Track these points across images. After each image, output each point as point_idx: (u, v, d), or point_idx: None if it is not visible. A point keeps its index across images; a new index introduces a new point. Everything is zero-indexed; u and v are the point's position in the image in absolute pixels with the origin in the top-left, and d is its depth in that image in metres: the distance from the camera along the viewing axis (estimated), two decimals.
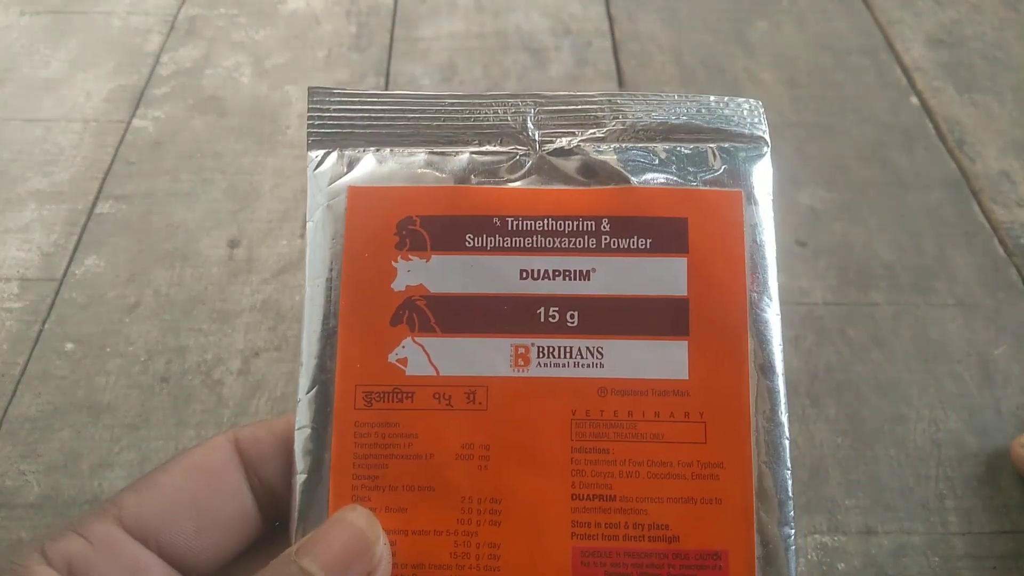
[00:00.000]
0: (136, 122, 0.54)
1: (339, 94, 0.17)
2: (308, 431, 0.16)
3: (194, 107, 0.55)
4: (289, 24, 0.62)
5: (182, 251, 0.46)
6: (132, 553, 0.15)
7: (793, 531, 0.15)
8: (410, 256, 0.16)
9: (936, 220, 0.48)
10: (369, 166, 0.17)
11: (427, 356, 0.16)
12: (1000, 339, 0.42)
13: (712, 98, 0.17)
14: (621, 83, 0.57)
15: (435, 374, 0.16)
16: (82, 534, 0.14)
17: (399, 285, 0.16)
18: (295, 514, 0.15)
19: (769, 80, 0.57)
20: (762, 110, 0.18)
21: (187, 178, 0.50)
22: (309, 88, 0.18)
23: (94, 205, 0.48)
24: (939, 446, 0.38)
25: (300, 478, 0.16)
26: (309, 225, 0.16)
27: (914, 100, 0.56)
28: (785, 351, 0.16)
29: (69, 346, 0.41)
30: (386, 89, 0.56)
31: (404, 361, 0.16)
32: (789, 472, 0.16)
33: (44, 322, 0.42)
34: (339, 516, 0.15)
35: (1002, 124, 0.54)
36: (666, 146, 0.17)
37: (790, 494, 0.16)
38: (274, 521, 0.17)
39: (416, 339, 0.16)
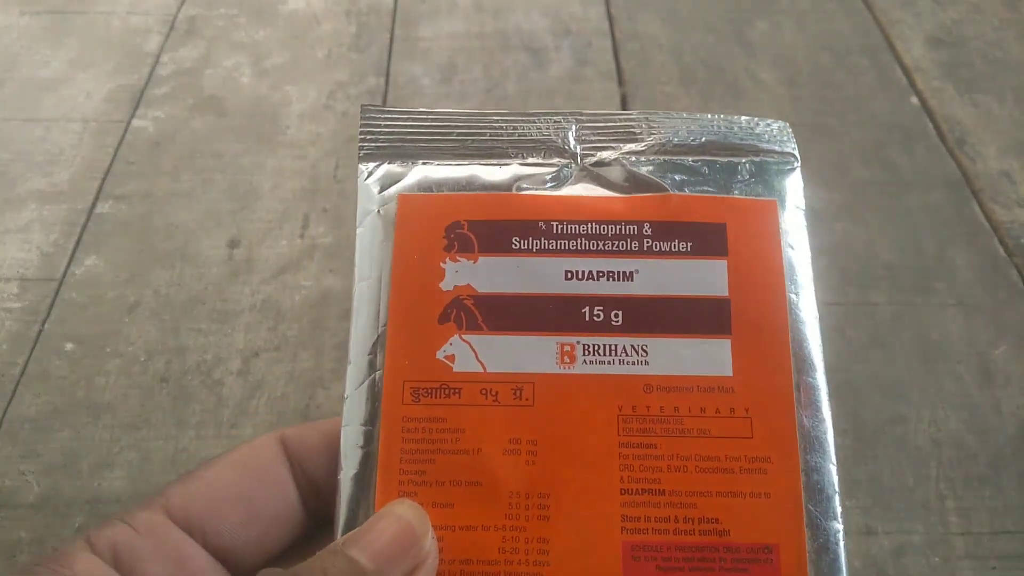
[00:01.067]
0: (136, 122, 0.54)
1: (390, 111, 0.18)
2: (355, 427, 0.16)
3: (194, 107, 0.55)
4: (289, 24, 0.62)
5: (182, 251, 0.46)
6: (177, 542, 0.15)
7: (841, 526, 0.16)
8: (458, 258, 0.17)
9: (936, 220, 0.48)
10: (418, 176, 0.18)
11: (474, 353, 0.16)
12: (1000, 339, 0.42)
13: (743, 118, 0.19)
14: (621, 83, 0.57)
15: (482, 370, 0.16)
16: (128, 522, 0.15)
17: (447, 285, 0.17)
18: (341, 509, 0.16)
19: (769, 80, 0.57)
20: (790, 130, 0.19)
21: (187, 178, 0.50)
22: (362, 106, 0.19)
23: (94, 205, 0.48)
24: (939, 446, 0.38)
25: (347, 473, 0.16)
26: (359, 231, 0.17)
27: (914, 100, 0.56)
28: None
29: (69, 346, 0.41)
30: (386, 90, 0.56)
31: (451, 358, 0.16)
32: (835, 467, 0.16)
33: (44, 322, 0.42)
34: (388, 509, 0.15)
35: (1002, 124, 0.54)
36: (702, 159, 0.18)
37: (836, 488, 0.16)
38: (319, 520, 0.17)
39: (463, 337, 0.16)
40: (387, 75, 0.57)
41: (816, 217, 0.48)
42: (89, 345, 0.41)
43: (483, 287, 0.17)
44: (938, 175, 0.51)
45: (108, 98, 0.55)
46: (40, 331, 0.42)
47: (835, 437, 0.35)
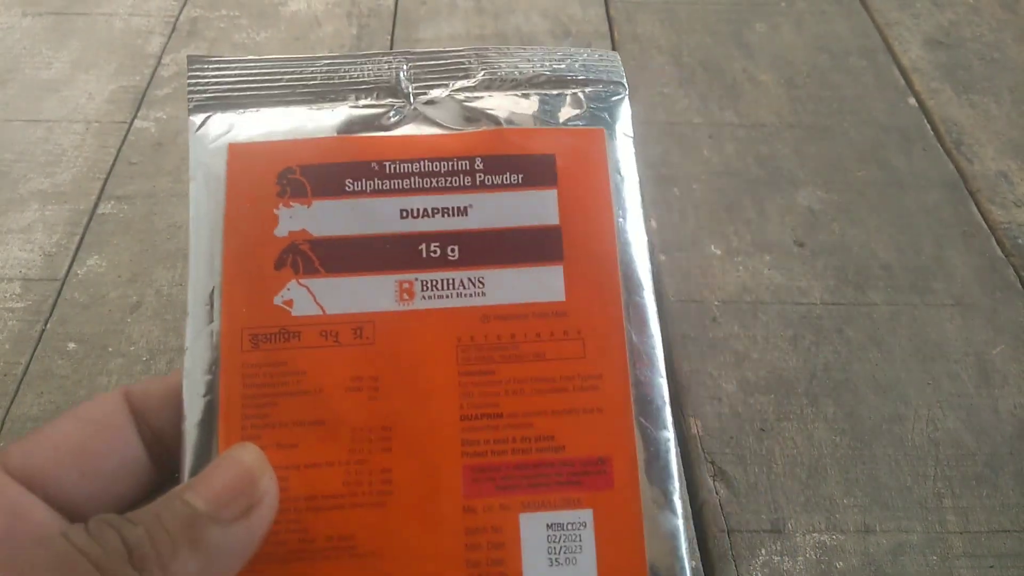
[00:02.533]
0: (138, 123, 0.54)
1: (216, 61, 0.18)
2: (197, 377, 0.16)
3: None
4: (290, 25, 0.62)
5: (184, 251, 0.46)
6: (14, 495, 0.15)
7: (672, 435, 0.16)
8: (291, 203, 0.17)
9: (934, 220, 0.48)
10: (247, 125, 0.17)
11: (312, 296, 0.16)
12: (998, 339, 0.42)
13: (572, 49, 0.19)
14: None
15: (321, 313, 0.16)
16: None
17: (282, 231, 0.17)
18: (186, 458, 0.16)
19: (768, 81, 0.58)
20: (619, 60, 0.19)
21: (188, 179, 0.50)
22: (188, 56, 0.19)
23: (96, 205, 0.49)
24: (937, 445, 0.38)
25: (190, 422, 0.16)
26: (192, 184, 0.17)
27: (912, 101, 0.56)
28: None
29: (71, 346, 0.41)
30: None
31: (290, 303, 0.16)
32: (663, 379, 0.17)
33: (46, 322, 0.43)
34: (227, 454, 0.15)
35: (1000, 125, 0.55)
36: (533, 92, 0.18)
37: (666, 399, 0.17)
38: (169, 472, 0.17)
39: (301, 281, 0.16)
40: None
41: (814, 217, 0.49)
42: (91, 345, 0.41)
43: (318, 231, 0.17)
44: (936, 176, 0.51)
45: (110, 99, 0.55)
46: (42, 331, 0.42)
47: (830, 435, 0.35)
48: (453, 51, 0.19)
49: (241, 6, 0.63)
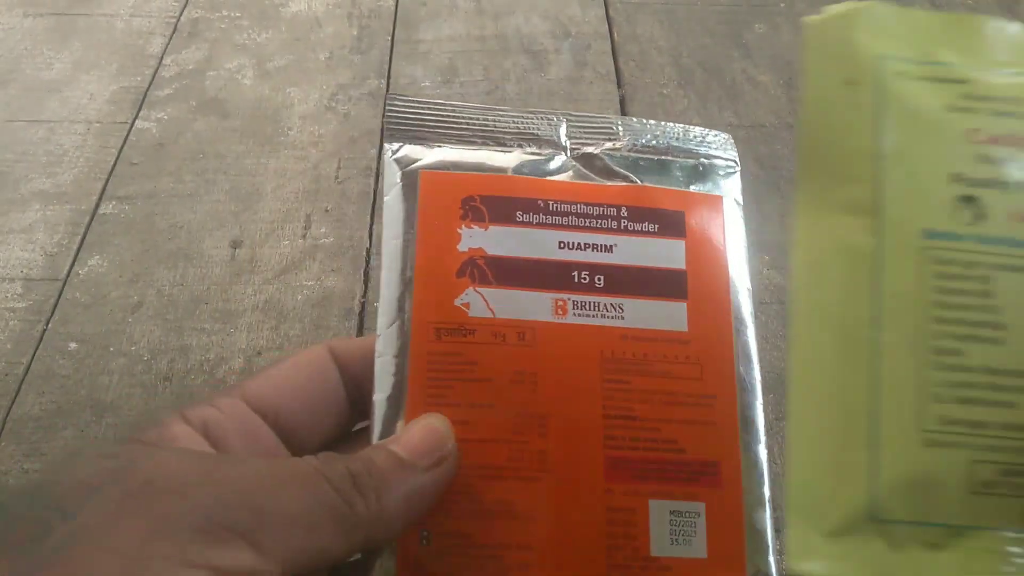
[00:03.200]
0: (139, 123, 0.54)
1: (412, 100, 0.22)
2: (388, 358, 0.19)
3: (197, 109, 0.55)
4: (291, 26, 0.62)
5: (185, 251, 0.46)
6: (253, 422, 0.18)
7: (765, 450, 0.20)
8: (472, 225, 0.20)
9: None
10: (436, 156, 0.21)
11: (485, 302, 0.20)
12: None
13: (697, 128, 0.23)
14: (620, 85, 0.57)
15: (492, 316, 0.20)
16: (214, 405, 0.17)
17: (463, 247, 0.20)
18: (376, 424, 0.19)
19: (767, 82, 0.58)
20: (732, 141, 0.23)
21: (190, 179, 0.50)
22: (388, 94, 0.23)
23: (97, 206, 0.49)
24: None
25: (380, 396, 0.19)
26: (387, 199, 0.21)
27: None
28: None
29: (72, 345, 0.42)
30: (387, 92, 0.57)
31: (467, 305, 0.20)
32: (760, 404, 0.20)
33: (47, 322, 0.43)
34: (422, 418, 0.18)
35: None
36: (667, 158, 0.23)
37: (762, 420, 0.20)
38: (360, 417, 0.20)
39: (477, 288, 0.20)
40: (388, 77, 0.58)
41: None
42: (92, 344, 0.42)
43: (492, 250, 0.20)
44: None
45: (111, 100, 0.56)
46: (44, 331, 0.42)
47: None
48: (603, 117, 0.23)
49: (242, 7, 0.64)
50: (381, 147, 0.53)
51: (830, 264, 0.15)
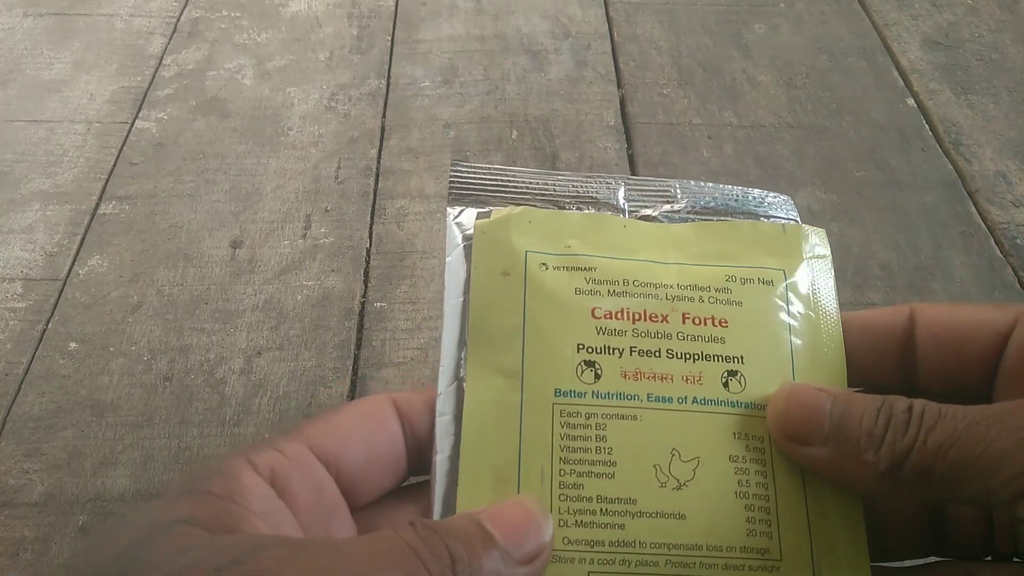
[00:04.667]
0: (139, 123, 0.54)
1: (474, 166, 0.22)
2: (448, 417, 0.19)
3: (197, 108, 0.55)
4: (291, 26, 0.62)
5: (185, 251, 0.46)
6: (319, 471, 0.17)
7: None
8: None
9: (932, 220, 0.49)
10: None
11: None
12: None
13: (756, 191, 0.23)
14: (620, 85, 0.57)
15: None
16: (280, 450, 0.17)
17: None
18: (436, 488, 0.18)
19: (767, 82, 0.58)
20: (792, 202, 0.23)
21: (190, 179, 0.50)
22: (452, 161, 0.23)
23: (97, 206, 0.49)
24: None
25: (441, 456, 0.18)
26: (448, 260, 0.21)
27: (911, 101, 0.57)
28: None
29: (72, 345, 0.42)
30: (387, 92, 0.57)
31: None
32: None
33: (48, 322, 0.43)
34: (516, 498, 0.17)
35: (998, 125, 0.55)
36: (726, 218, 0.22)
37: None
38: (417, 471, 0.19)
39: None
40: (388, 77, 0.58)
41: (813, 217, 0.49)
42: (92, 344, 0.42)
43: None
44: (934, 176, 0.51)
45: (111, 100, 0.56)
46: (44, 331, 0.42)
47: None
48: (661, 180, 0.23)
49: (242, 7, 0.64)
50: (381, 147, 0.53)
51: (489, 417, 0.18)
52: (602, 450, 0.18)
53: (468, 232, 0.21)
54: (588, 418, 0.18)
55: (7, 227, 0.47)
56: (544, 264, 0.20)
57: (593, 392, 0.18)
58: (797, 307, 0.20)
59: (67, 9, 0.63)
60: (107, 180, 0.50)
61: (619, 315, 0.19)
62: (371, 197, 0.50)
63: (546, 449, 0.18)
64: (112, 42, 0.60)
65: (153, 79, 0.57)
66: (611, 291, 0.19)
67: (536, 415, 0.18)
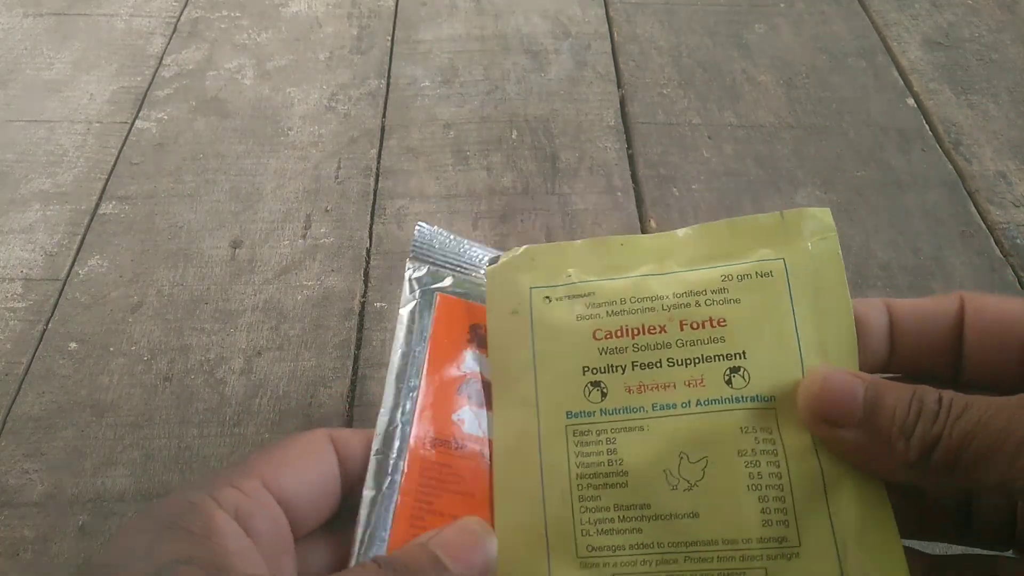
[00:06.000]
0: (139, 123, 0.54)
1: (436, 230, 0.24)
2: (382, 457, 0.19)
3: (197, 109, 0.55)
4: (291, 26, 0.62)
5: (185, 251, 0.46)
6: (273, 507, 0.18)
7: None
8: (476, 350, 0.21)
9: (933, 221, 0.49)
10: (450, 282, 0.23)
11: (477, 421, 0.20)
12: None
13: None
14: (620, 85, 0.57)
15: (482, 435, 0.20)
16: (238, 487, 0.18)
17: (465, 368, 0.21)
18: (362, 522, 0.19)
19: (767, 82, 0.58)
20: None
21: (190, 179, 0.50)
22: (417, 224, 0.24)
23: (97, 206, 0.49)
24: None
25: (370, 493, 0.19)
26: (402, 312, 0.22)
27: (911, 101, 0.57)
28: None
29: (72, 345, 0.42)
30: (387, 92, 0.57)
31: (462, 421, 0.20)
32: None
33: (48, 322, 0.43)
34: (461, 521, 0.19)
35: (998, 125, 0.55)
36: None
37: None
38: (345, 509, 0.20)
39: (472, 408, 0.20)
40: (388, 77, 0.58)
41: None
42: (93, 344, 0.42)
43: (488, 375, 0.21)
44: (934, 176, 0.51)
45: (112, 100, 0.56)
46: (44, 331, 0.42)
47: None
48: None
49: (242, 7, 0.64)
50: (381, 147, 0.53)
51: (514, 446, 0.20)
52: (613, 462, 0.19)
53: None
54: (599, 434, 0.19)
55: (7, 227, 0.47)
56: (547, 297, 0.21)
57: (601, 410, 0.19)
58: (801, 293, 0.20)
59: (67, 9, 0.63)
60: (107, 180, 0.50)
61: (619, 333, 0.20)
62: (371, 197, 0.50)
63: (563, 468, 0.19)
64: (112, 42, 0.60)
65: (153, 79, 0.57)
66: (610, 311, 0.20)
67: (552, 438, 0.19)
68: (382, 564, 0.16)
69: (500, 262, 0.22)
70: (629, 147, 0.53)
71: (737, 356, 0.19)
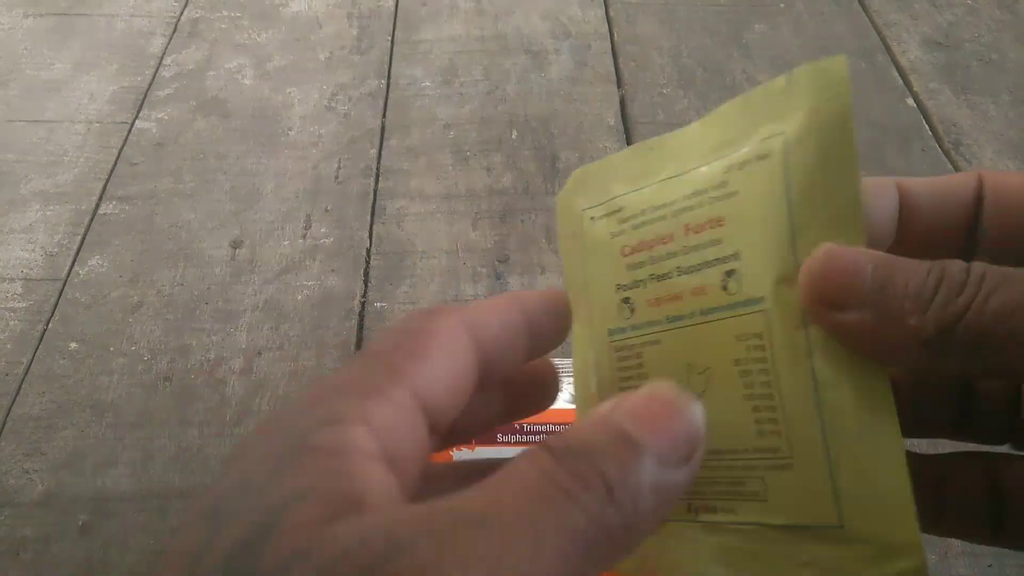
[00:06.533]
0: (139, 123, 0.54)
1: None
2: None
3: (197, 109, 0.55)
4: (291, 26, 0.62)
5: (185, 251, 0.46)
6: (422, 430, 0.15)
7: None
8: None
9: None
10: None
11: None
12: None
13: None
14: (620, 85, 0.57)
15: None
16: (388, 397, 0.14)
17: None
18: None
19: (767, 82, 0.58)
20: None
21: (190, 179, 0.50)
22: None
23: (97, 206, 0.49)
24: (936, 444, 0.38)
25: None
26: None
27: (911, 102, 0.57)
28: None
29: (73, 345, 0.42)
30: (387, 92, 0.57)
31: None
32: None
33: (48, 322, 0.43)
34: (653, 387, 0.15)
35: (998, 125, 0.55)
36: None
37: None
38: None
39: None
40: (388, 77, 0.58)
41: None
42: (93, 344, 0.42)
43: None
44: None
45: (112, 100, 0.56)
46: (44, 331, 0.42)
47: None
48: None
49: (242, 7, 0.64)
50: (381, 147, 0.53)
51: (580, 367, 0.20)
52: (641, 376, 0.19)
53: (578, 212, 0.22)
54: (631, 350, 0.19)
55: (7, 227, 0.47)
56: (592, 217, 0.20)
57: (632, 326, 0.19)
58: (800, 172, 0.17)
59: (67, 9, 0.63)
60: (107, 180, 0.50)
61: (639, 247, 0.19)
62: (371, 197, 0.50)
63: (609, 379, 0.19)
64: (112, 42, 0.60)
65: (153, 79, 0.57)
66: (633, 225, 0.19)
67: (602, 357, 0.20)
68: (555, 450, 0.13)
69: (563, 190, 0.21)
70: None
71: (732, 258, 0.17)
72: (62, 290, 0.44)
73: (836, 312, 0.15)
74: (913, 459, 0.17)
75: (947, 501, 0.18)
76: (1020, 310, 0.14)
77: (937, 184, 0.18)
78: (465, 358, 0.17)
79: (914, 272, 0.15)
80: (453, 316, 0.17)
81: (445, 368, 0.16)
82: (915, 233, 0.18)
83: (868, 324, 0.15)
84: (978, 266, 0.14)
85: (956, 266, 0.15)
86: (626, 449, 0.13)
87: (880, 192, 0.18)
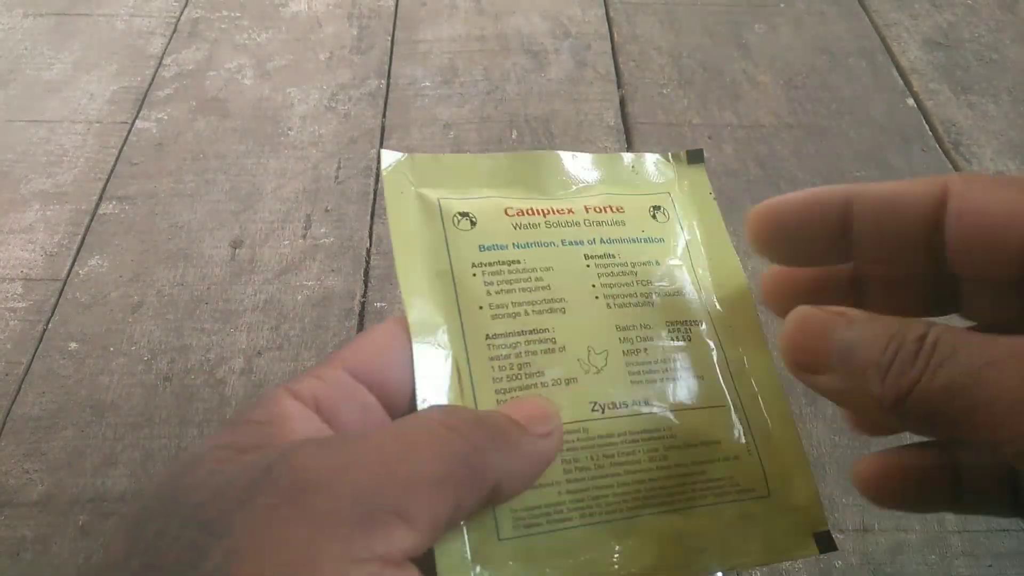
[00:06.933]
0: (139, 123, 0.54)
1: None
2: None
3: (197, 109, 0.55)
4: (291, 27, 0.62)
5: (185, 251, 0.46)
6: (359, 392, 0.17)
7: None
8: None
9: None
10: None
11: None
12: None
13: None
14: (620, 85, 0.57)
15: None
16: (318, 376, 0.17)
17: None
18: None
19: (767, 82, 0.58)
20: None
21: (190, 179, 0.50)
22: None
23: (97, 206, 0.49)
24: None
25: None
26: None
27: (911, 102, 0.57)
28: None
29: (72, 345, 0.42)
30: (387, 92, 0.57)
31: None
32: None
33: (48, 322, 0.43)
34: (528, 396, 0.18)
35: (998, 125, 0.55)
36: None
37: None
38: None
39: None
40: (388, 77, 0.58)
41: None
42: (93, 344, 0.42)
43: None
44: None
45: (112, 100, 0.56)
46: (44, 331, 0.42)
47: (829, 434, 0.36)
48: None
49: (242, 7, 0.64)
50: (381, 147, 0.53)
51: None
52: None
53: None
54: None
55: (7, 227, 0.47)
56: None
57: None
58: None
59: (67, 9, 0.63)
60: (107, 180, 0.50)
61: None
62: (371, 197, 0.50)
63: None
64: (112, 42, 0.60)
65: (153, 79, 0.57)
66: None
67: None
68: (444, 410, 0.16)
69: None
70: (629, 147, 0.53)
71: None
72: (62, 290, 0.44)
73: (811, 375, 0.16)
74: (930, 445, 0.18)
75: (965, 480, 0.18)
76: (964, 391, 0.14)
77: (889, 192, 0.18)
78: (401, 337, 0.18)
79: (877, 338, 0.15)
80: (389, 320, 0.19)
81: (382, 348, 0.18)
82: (869, 243, 0.18)
83: (838, 388, 0.16)
84: (934, 333, 0.15)
85: (913, 333, 0.15)
86: (514, 429, 0.16)
87: (822, 198, 0.19)
